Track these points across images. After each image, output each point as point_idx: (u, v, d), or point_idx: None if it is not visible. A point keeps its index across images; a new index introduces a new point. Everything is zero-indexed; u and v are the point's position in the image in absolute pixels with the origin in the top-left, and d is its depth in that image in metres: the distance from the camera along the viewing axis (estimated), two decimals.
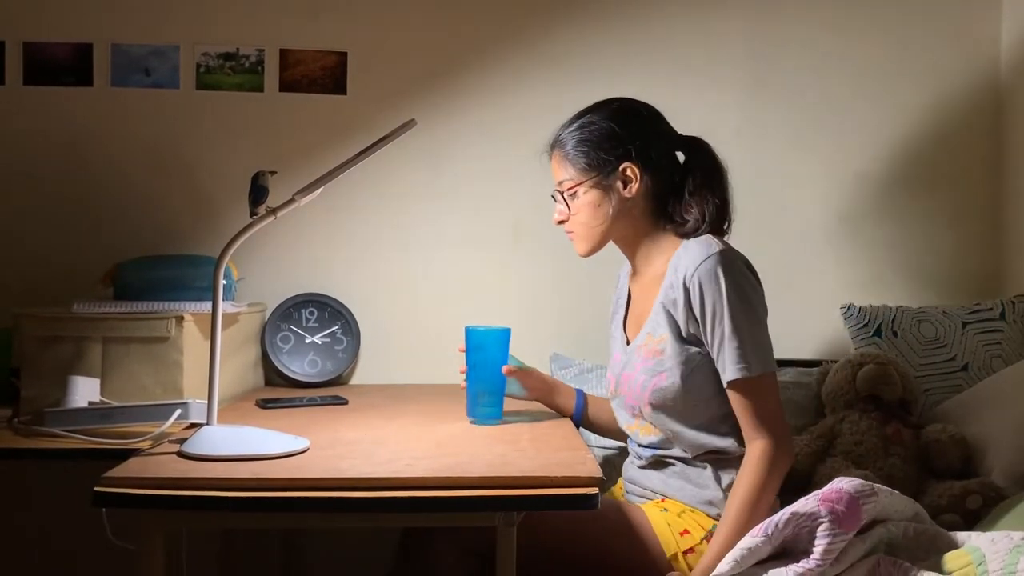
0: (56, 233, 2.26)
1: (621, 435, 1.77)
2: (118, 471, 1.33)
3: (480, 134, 2.33)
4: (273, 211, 1.53)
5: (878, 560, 1.33)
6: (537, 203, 2.32)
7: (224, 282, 1.54)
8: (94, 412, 1.64)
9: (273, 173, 1.55)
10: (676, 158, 1.67)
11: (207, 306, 1.85)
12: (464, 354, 1.76)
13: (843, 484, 1.36)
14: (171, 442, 1.51)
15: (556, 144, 1.68)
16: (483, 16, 2.33)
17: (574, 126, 1.65)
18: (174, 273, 1.98)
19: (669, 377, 1.56)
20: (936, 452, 1.89)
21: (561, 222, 1.68)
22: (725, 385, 1.53)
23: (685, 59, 2.34)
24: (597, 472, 1.34)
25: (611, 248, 1.78)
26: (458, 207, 2.33)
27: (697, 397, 1.56)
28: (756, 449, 1.50)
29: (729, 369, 1.51)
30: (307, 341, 2.27)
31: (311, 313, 2.28)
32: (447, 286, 2.33)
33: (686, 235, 1.61)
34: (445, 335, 2.31)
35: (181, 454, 1.42)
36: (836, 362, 2.05)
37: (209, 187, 2.28)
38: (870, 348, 2.10)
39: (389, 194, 2.32)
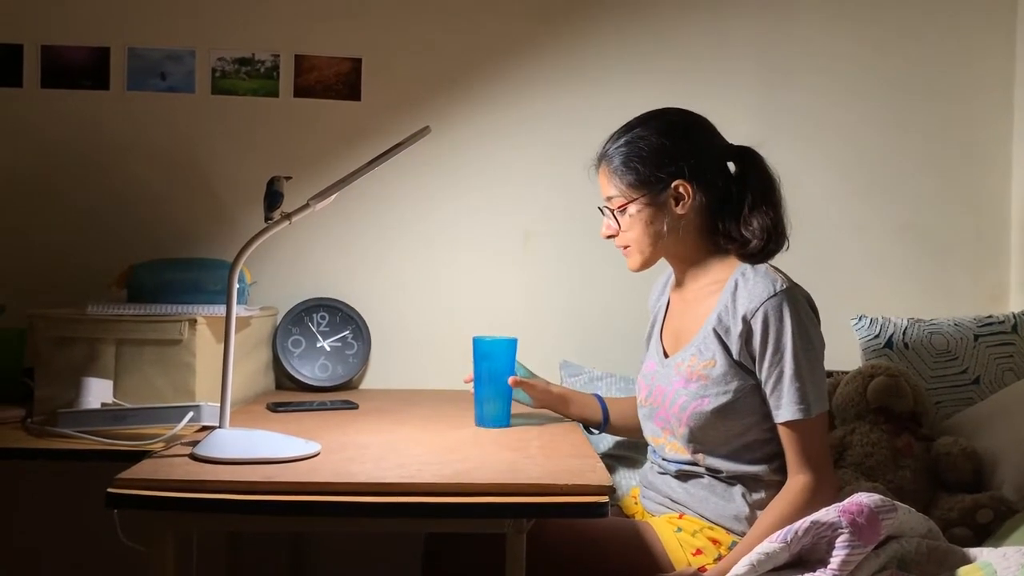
0: (71, 235, 2.28)
1: (641, 434, 1.77)
2: (130, 473, 1.34)
3: (493, 140, 2.33)
4: (288, 216, 1.54)
5: (891, 575, 1.33)
6: (548, 210, 2.33)
7: (237, 286, 1.54)
8: (107, 413, 1.65)
9: (288, 178, 1.56)
10: (728, 170, 1.64)
11: (220, 309, 1.86)
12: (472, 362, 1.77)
13: (863, 498, 1.35)
14: (183, 444, 1.52)
15: (603, 158, 1.63)
16: (497, 22, 2.33)
17: (622, 140, 1.61)
18: (188, 276, 1.99)
19: (712, 402, 1.54)
20: (947, 465, 1.88)
21: (610, 236, 1.66)
22: (778, 421, 1.52)
23: (697, 66, 2.34)
24: (607, 480, 1.34)
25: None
26: (470, 213, 2.34)
27: (737, 425, 1.55)
28: (799, 483, 1.50)
29: (787, 409, 1.50)
30: (318, 345, 2.27)
31: (322, 317, 2.29)
32: (458, 292, 2.34)
33: (749, 256, 1.58)
34: (455, 341, 2.32)
35: (193, 456, 1.43)
36: (846, 373, 2.05)
37: (224, 191, 2.29)
38: (881, 360, 2.09)
39: (402, 200, 2.33)
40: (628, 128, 1.63)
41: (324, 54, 2.32)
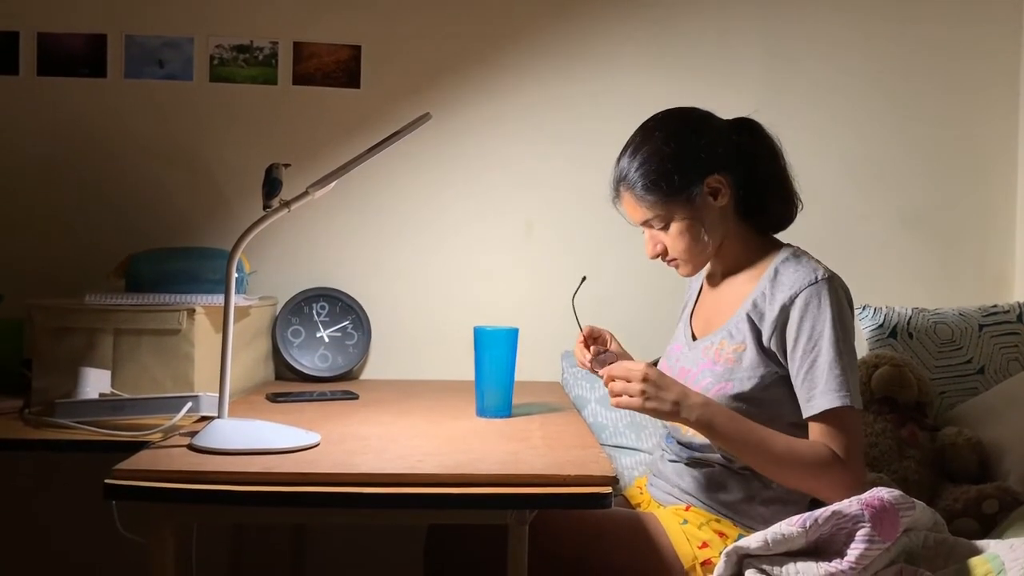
0: (68, 224, 2.26)
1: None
2: (128, 463, 1.32)
3: (494, 129, 2.32)
4: (286, 204, 1.52)
5: (900, 569, 1.31)
6: (550, 199, 2.32)
7: (236, 275, 1.53)
8: (105, 404, 1.64)
9: (287, 166, 1.54)
10: (735, 146, 1.60)
11: (219, 299, 1.85)
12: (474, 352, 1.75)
13: (883, 494, 1.33)
14: (181, 435, 1.51)
15: (624, 184, 1.58)
16: (497, 10, 2.32)
17: (638, 161, 1.56)
18: (186, 265, 1.98)
19: (737, 387, 1.52)
20: (952, 455, 1.87)
21: (657, 256, 1.61)
22: (813, 413, 1.45)
23: (702, 55, 2.32)
24: (610, 471, 1.33)
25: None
26: (471, 202, 2.32)
27: (758, 415, 1.51)
28: (831, 456, 1.43)
29: (824, 398, 1.44)
30: (318, 335, 2.26)
31: (322, 307, 2.28)
32: (459, 282, 2.32)
33: (771, 225, 1.62)
34: (456, 331, 2.31)
35: (191, 447, 1.42)
36: None
37: (222, 180, 2.28)
38: (885, 349, 2.08)
39: (402, 188, 2.31)
40: (636, 147, 1.58)
41: (323, 41, 2.30)
